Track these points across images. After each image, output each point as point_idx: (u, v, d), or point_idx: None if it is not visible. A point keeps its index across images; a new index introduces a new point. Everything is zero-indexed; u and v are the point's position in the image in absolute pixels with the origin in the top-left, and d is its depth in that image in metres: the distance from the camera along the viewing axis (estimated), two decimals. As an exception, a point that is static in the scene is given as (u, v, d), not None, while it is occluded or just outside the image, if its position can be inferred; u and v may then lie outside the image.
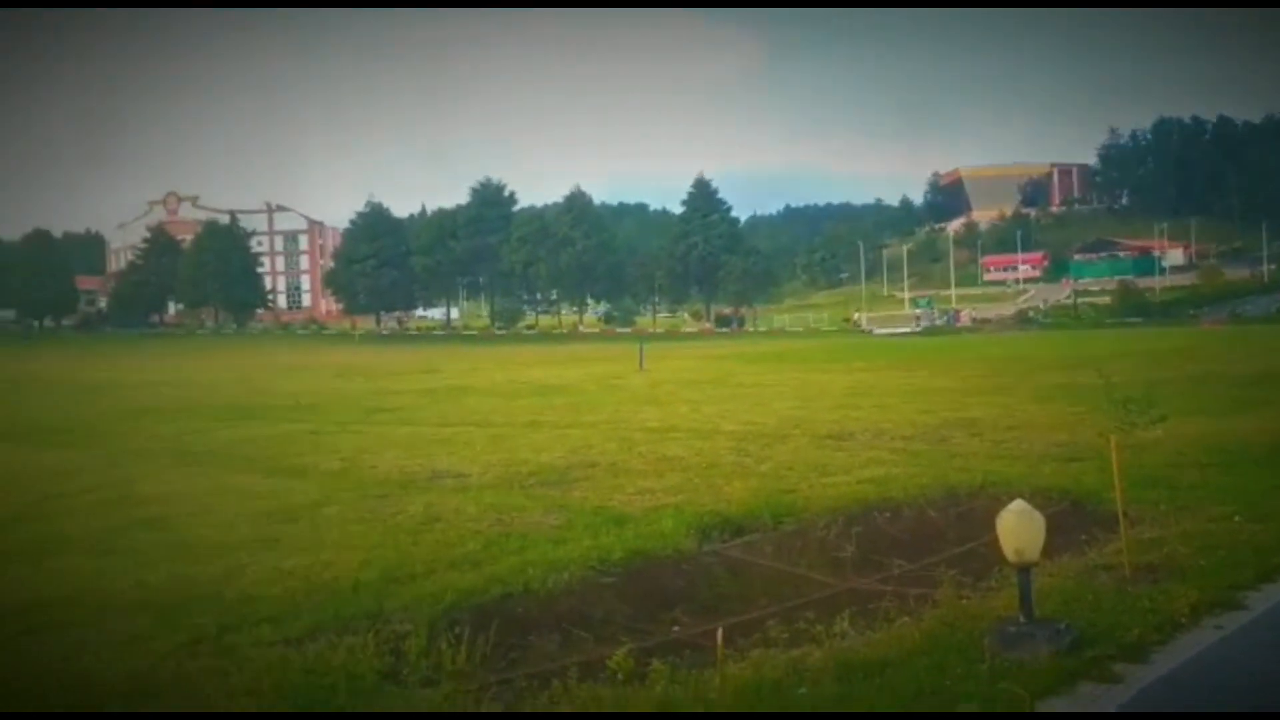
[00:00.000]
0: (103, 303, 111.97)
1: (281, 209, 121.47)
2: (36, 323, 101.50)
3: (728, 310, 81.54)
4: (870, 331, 63.17)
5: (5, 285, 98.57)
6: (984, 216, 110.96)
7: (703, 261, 79.54)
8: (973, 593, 6.25)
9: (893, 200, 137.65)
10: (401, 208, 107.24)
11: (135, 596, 6.40)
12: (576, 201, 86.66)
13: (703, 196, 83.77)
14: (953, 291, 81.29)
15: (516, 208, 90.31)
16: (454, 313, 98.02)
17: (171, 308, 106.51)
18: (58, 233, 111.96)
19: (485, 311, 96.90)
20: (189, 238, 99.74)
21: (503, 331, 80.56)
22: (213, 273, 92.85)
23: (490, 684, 4.83)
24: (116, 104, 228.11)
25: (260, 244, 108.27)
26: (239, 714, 3.85)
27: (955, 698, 4.39)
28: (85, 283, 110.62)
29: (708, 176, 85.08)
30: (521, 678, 4.94)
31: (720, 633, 4.15)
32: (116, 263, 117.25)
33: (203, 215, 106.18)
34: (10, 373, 39.55)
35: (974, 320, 66.41)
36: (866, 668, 4.79)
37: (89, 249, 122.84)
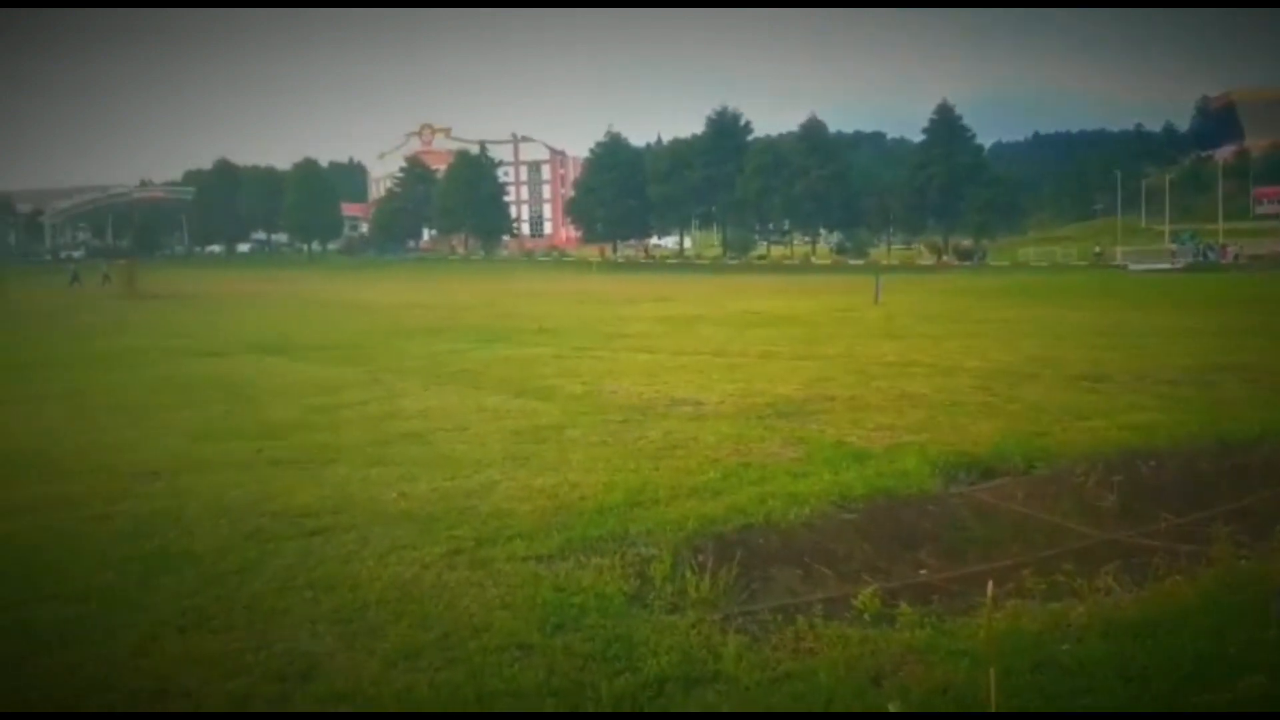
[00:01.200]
0: (364, 228, 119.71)
1: (526, 140, 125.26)
2: (306, 246, 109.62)
3: (967, 243, 78.11)
4: (1125, 267, 58.87)
5: (280, 211, 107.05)
6: (1259, 144, 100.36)
7: (942, 191, 76.28)
8: (1252, 553, 5.72)
9: (1154, 126, 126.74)
10: (639, 137, 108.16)
11: (399, 507, 6.80)
12: (811, 130, 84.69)
13: (945, 124, 79.94)
14: (1220, 225, 74.28)
15: (751, 137, 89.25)
16: (687, 242, 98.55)
17: (425, 234, 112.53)
18: (324, 162, 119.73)
19: (717, 241, 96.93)
20: (442, 168, 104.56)
21: (734, 261, 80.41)
22: (463, 201, 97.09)
23: (735, 614, 4.83)
24: (374, 41, 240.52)
25: (507, 174, 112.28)
26: (240, 714, 4.03)
27: (1239, 667, 4.03)
28: (349, 209, 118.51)
29: (951, 102, 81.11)
30: (765, 610, 4.91)
31: (990, 584, 3.93)
32: (377, 191, 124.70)
33: (454, 146, 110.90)
34: (286, 291, 43.03)
35: (1243, 257, 60.58)
36: (1136, 628, 4.46)
37: (353, 178, 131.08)
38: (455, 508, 6.71)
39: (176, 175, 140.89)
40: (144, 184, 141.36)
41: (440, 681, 4.14)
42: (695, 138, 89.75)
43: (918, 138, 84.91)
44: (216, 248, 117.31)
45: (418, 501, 6.94)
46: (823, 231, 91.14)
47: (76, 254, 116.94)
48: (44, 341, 20.66)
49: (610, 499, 6.81)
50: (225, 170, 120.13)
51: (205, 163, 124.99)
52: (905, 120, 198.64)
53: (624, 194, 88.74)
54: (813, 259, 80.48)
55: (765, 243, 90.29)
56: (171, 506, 6.88)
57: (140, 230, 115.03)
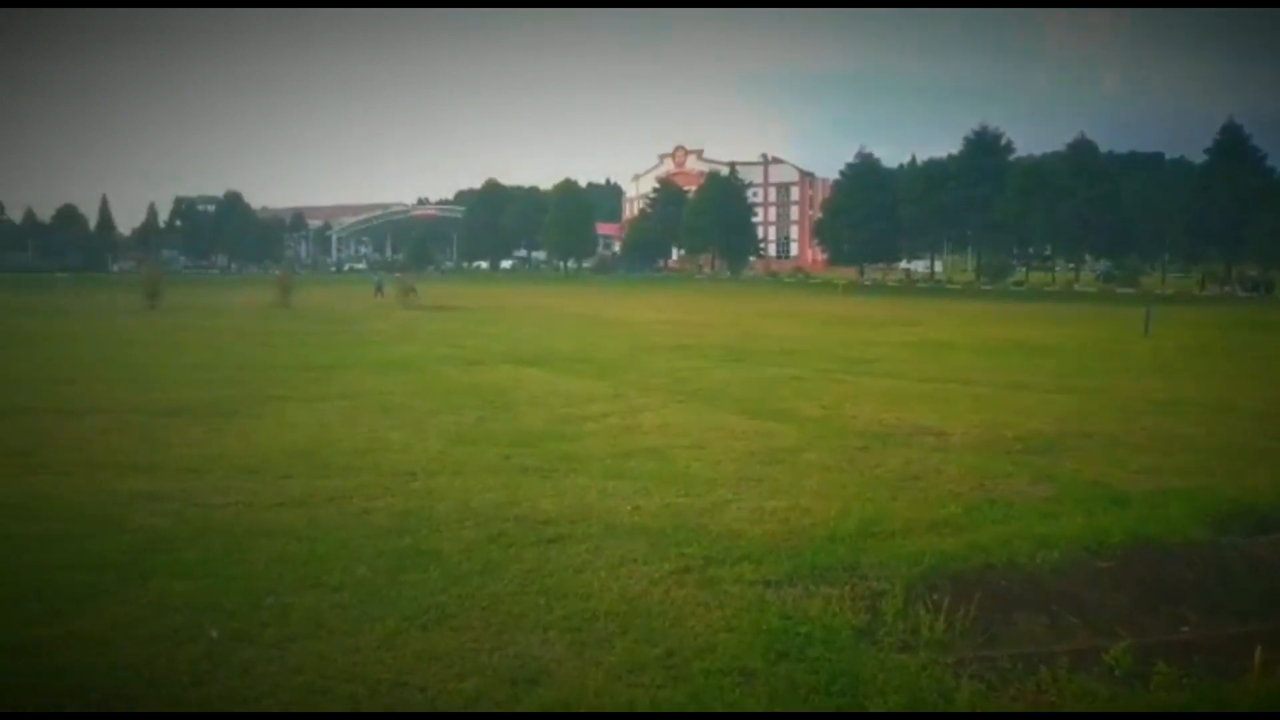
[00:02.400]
0: (616, 247, 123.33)
1: (776, 161, 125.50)
2: (562, 263, 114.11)
3: (1254, 272, 71.39)
4: None
5: (540, 229, 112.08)
6: None
7: (1225, 217, 70.06)
8: None
9: None
10: (892, 158, 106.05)
11: (632, 520, 6.92)
12: (1080, 150, 80.00)
13: (1230, 144, 73.52)
14: None
15: (1013, 156, 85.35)
16: (938, 266, 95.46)
17: (674, 253, 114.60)
18: (583, 183, 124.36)
19: (970, 265, 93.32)
20: (693, 188, 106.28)
21: (989, 287, 77.06)
22: (712, 221, 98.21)
23: (970, 659, 4.60)
24: (631, 68, 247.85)
25: (755, 195, 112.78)
26: (238, 714, 4.03)
27: None
28: (603, 229, 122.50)
29: (1238, 120, 74.49)
30: (1004, 657, 4.65)
31: (1259, 649, 3.56)
32: (630, 211, 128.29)
33: (705, 167, 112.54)
34: (542, 306, 44.89)
35: None
36: None
37: (608, 198, 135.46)
38: (686, 525, 6.76)
39: (449, 194, 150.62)
40: (421, 202, 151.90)
41: (662, 699, 4.17)
42: (951, 157, 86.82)
43: (1200, 159, 78.62)
44: (482, 263, 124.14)
45: (651, 516, 7.03)
46: (1088, 258, 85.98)
47: (359, 266, 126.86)
48: (332, 346, 22.45)
49: (843, 527, 6.66)
50: (493, 190, 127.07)
51: (476, 182, 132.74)
52: (1190, 140, 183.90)
53: (873, 216, 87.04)
54: (1076, 286, 76.01)
55: (1024, 268, 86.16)
56: (424, 506, 7.29)
57: (415, 245, 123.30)
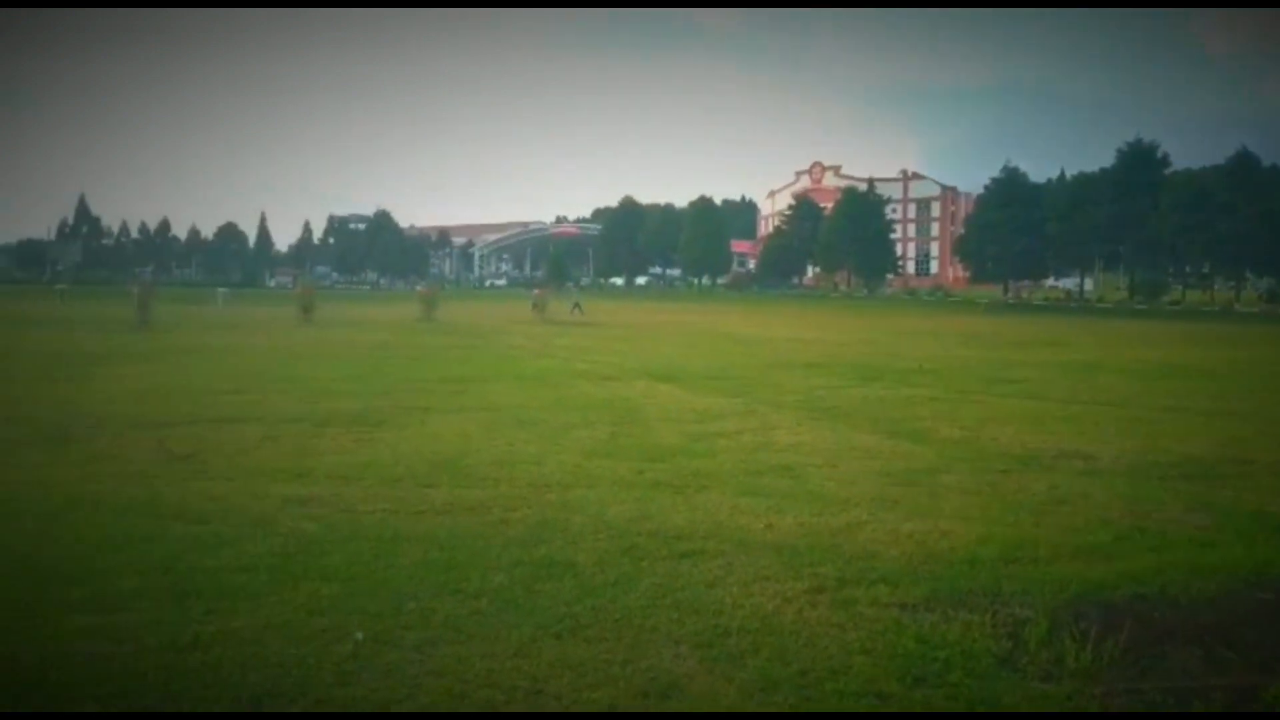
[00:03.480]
0: (751, 264, 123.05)
1: (917, 176, 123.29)
2: (696, 280, 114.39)
3: None
4: None
5: (676, 246, 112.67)
6: None
7: None
8: None
9: None
10: (1039, 173, 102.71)
11: (765, 538, 6.89)
12: (1241, 163, 75.92)
13: None
14: None
15: (1169, 170, 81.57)
16: (1088, 283, 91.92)
17: (810, 270, 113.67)
18: (718, 200, 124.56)
19: (1123, 283, 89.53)
20: (830, 205, 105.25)
21: (1142, 306, 73.80)
22: (849, 238, 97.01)
23: (1118, 691, 4.41)
24: (764, 83, 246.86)
25: (894, 210, 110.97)
26: (239, 714, 3.98)
27: None
28: (738, 246, 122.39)
29: None
30: (1155, 690, 4.44)
31: None
32: (765, 228, 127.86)
33: (843, 183, 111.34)
34: (676, 322, 45.12)
35: None
36: None
37: (743, 215, 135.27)
38: (820, 544, 6.69)
39: (586, 212, 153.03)
40: (559, 220, 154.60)
41: None
42: (1103, 171, 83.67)
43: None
44: (618, 280, 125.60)
45: (784, 534, 6.99)
46: (1249, 276, 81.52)
47: (499, 282, 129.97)
48: (472, 360, 23.06)
49: (984, 552, 6.48)
50: (629, 207, 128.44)
51: (613, 200, 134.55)
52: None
53: (1019, 231, 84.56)
54: (1236, 306, 72.13)
55: (1180, 287, 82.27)
56: (559, 518, 7.42)
57: (553, 262, 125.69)
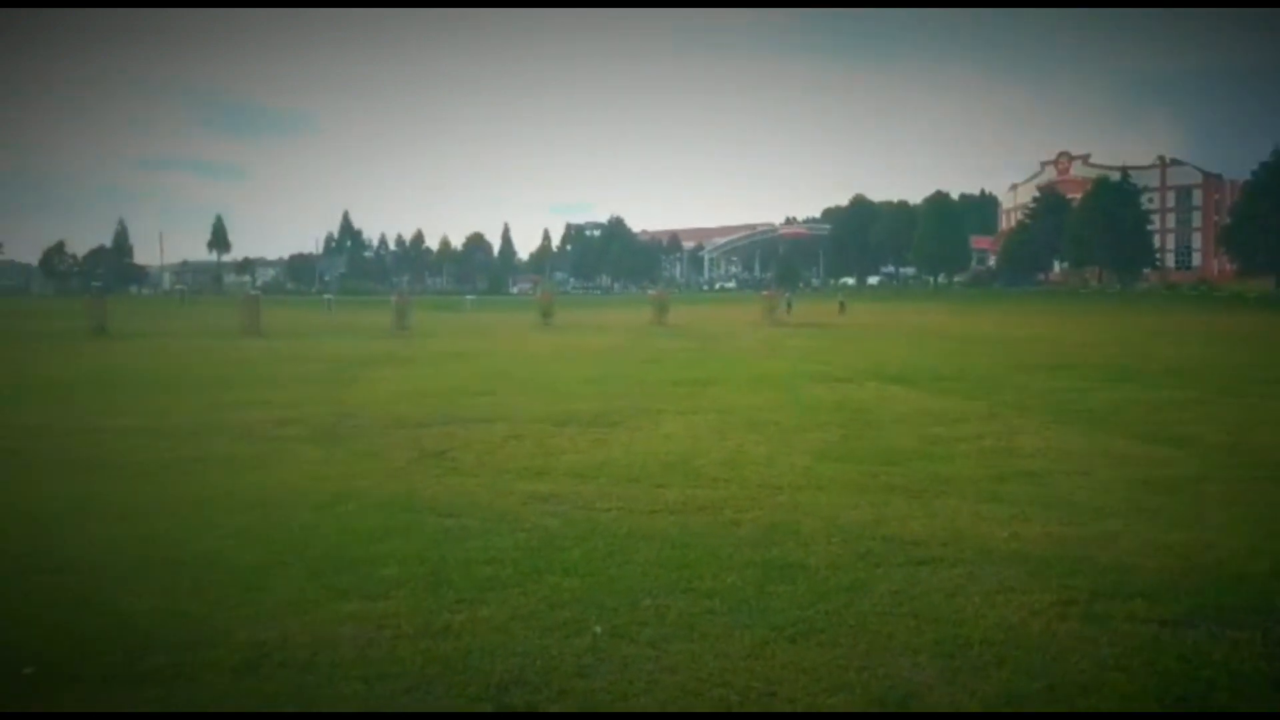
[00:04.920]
0: (992, 261, 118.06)
1: (1176, 163, 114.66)
2: (932, 279, 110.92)
3: None
4: None
5: (910, 244, 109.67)
6: None
7: None
8: None
9: None
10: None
11: (1009, 547, 6.60)
12: None
13: None
14: None
15: None
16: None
17: (1056, 266, 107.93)
18: (955, 195, 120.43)
19: None
20: (1078, 196, 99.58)
21: None
22: (1100, 231, 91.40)
23: None
24: (1004, 71, 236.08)
25: (1151, 200, 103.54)
26: (239, 714, 3.76)
27: None
28: (977, 242, 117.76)
29: None
30: None
31: None
32: (1007, 223, 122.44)
33: (1092, 174, 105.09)
34: (911, 323, 43.92)
35: None
36: None
37: (983, 210, 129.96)
38: (1070, 555, 6.35)
39: (816, 212, 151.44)
40: (788, 221, 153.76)
41: (1041, 736, 3.95)
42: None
43: None
44: (849, 280, 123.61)
45: (1029, 544, 6.68)
46: None
47: (729, 285, 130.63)
48: (703, 362, 23.32)
49: (1254, 567, 5.97)
50: (860, 205, 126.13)
51: (843, 199, 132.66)
52: None
53: (1297, 219, 76.99)
54: None
55: None
56: (791, 520, 7.39)
57: (783, 263, 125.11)
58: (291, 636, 5.01)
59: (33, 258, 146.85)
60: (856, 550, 6.53)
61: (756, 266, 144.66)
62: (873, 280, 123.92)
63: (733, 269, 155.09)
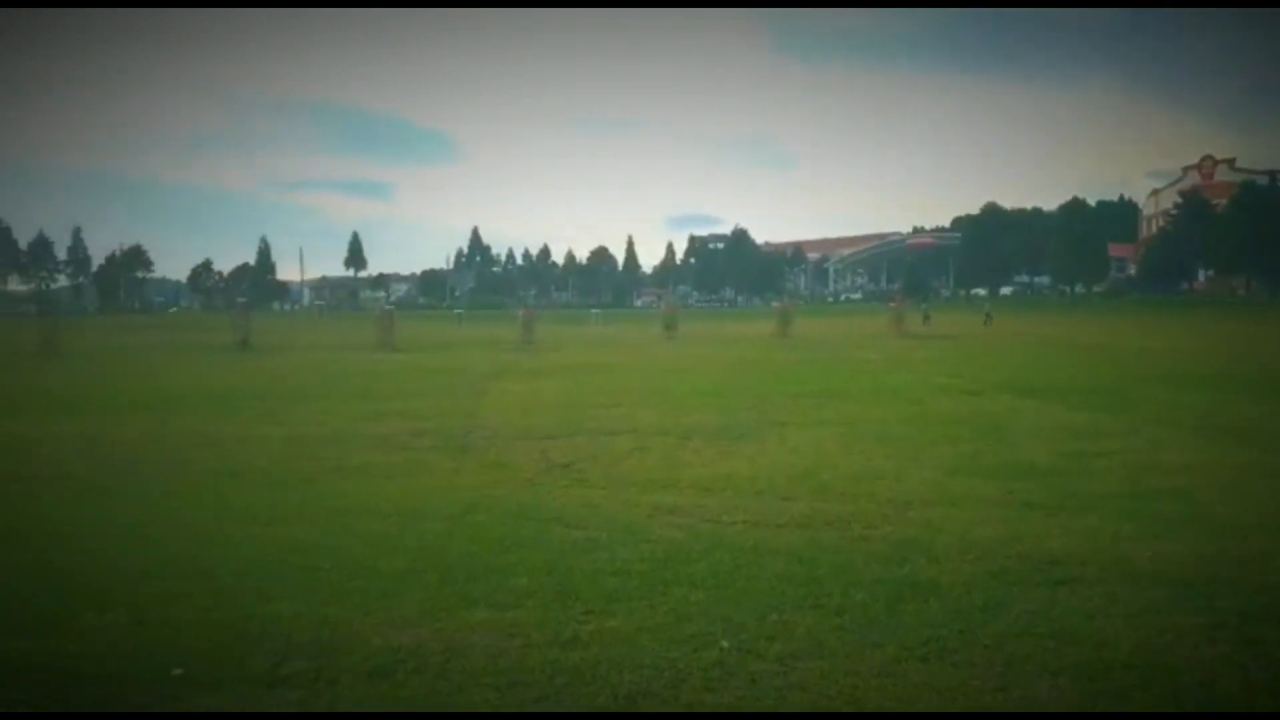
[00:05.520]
0: (1132, 269, 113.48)
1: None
2: (1068, 289, 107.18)
3: None
4: None
5: (1045, 253, 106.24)
6: None
7: None
8: None
9: None
10: None
11: (1152, 567, 6.33)
12: None
13: None
14: None
15: None
16: None
17: (1200, 275, 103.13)
18: (1092, 201, 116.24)
19: None
20: (1223, 201, 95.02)
21: None
22: (1247, 237, 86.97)
23: None
24: (1141, 74, 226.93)
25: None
26: (240, 714, 3.60)
27: None
28: (1116, 250, 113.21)
29: None
30: None
31: None
32: (1147, 230, 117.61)
33: (1238, 178, 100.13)
34: (1044, 334, 42.55)
35: None
36: None
37: (1122, 217, 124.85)
38: (1219, 576, 6.05)
39: (945, 221, 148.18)
40: (916, 231, 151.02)
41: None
42: None
43: None
44: (981, 290, 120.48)
45: (1174, 564, 6.39)
46: None
47: (855, 296, 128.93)
48: (828, 375, 23.06)
49: None
50: (992, 213, 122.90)
51: (974, 207, 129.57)
52: None
53: None
54: None
55: None
56: (921, 536, 7.24)
57: (910, 274, 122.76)
58: (425, 643, 5.14)
59: (181, 275, 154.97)
60: (990, 568, 6.36)
61: (883, 278, 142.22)
62: (1005, 291, 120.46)
63: (858, 280, 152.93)
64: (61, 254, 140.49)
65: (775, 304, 67.82)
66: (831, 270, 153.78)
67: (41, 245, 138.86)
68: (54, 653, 4.27)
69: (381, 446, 12.11)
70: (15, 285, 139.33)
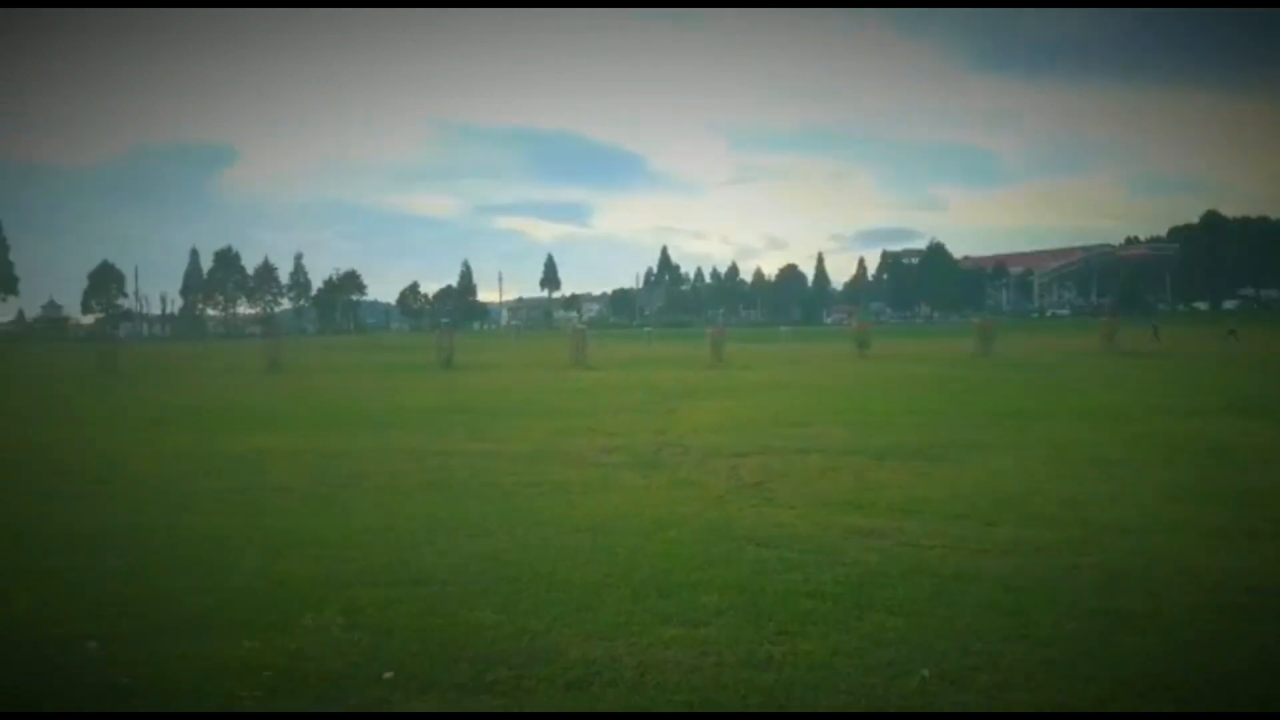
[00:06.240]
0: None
1: None
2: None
3: None
4: None
5: (1273, 264, 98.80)
6: None
7: None
8: None
9: None
10: None
11: None
12: None
13: None
14: None
15: None
16: None
17: None
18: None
19: None
20: None
21: None
22: None
23: None
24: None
25: None
26: (241, 714, 3.41)
27: None
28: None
29: None
30: None
31: None
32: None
33: None
34: (1272, 347, 39.39)
35: None
36: None
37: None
38: None
39: (1160, 231, 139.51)
40: (1129, 242, 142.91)
41: None
42: None
43: None
44: (1201, 304, 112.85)
45: None
46: None
47: (1061, 312, 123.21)
48: (1033, 394, 22.09)
49: None
50: (1213, 222, 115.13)
51: (1193, 216, 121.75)
52: None
53: None
54: None
55: None
56: (1138, 566, 6.80)
57: (1124, 287, 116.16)
58: (619, 657, 5.19)
59: (391, 297, 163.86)
60: (1216, 601, 5.91)
61: (1093, 291, 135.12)
62: (1229, 304, 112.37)
63: (1065, 295, 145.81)
64: (284, 278, 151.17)
65: (975, 320, 65.44)
66: (1036, 284, 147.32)
67: (267, 271, 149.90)
68: (278, 651, 4.54)
69: (575, 463, 12.37)
70: (244, 308, 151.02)
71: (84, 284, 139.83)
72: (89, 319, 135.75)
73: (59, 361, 49.94)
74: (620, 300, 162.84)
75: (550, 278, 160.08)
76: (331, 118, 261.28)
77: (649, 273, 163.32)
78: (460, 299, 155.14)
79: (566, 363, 38.74)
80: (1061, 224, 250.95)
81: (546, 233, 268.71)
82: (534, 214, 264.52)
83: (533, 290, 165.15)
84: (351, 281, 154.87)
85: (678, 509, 9.17)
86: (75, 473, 12.04)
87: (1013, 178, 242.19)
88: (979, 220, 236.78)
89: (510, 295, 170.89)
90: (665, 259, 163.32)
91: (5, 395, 28.53)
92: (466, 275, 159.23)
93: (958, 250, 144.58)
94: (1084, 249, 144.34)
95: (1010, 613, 5.82)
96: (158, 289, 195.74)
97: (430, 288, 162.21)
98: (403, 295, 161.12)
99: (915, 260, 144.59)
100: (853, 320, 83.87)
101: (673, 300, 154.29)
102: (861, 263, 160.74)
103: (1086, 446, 12.94)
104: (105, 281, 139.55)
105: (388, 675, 4.94)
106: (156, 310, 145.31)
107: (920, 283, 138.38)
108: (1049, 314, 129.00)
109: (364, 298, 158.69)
